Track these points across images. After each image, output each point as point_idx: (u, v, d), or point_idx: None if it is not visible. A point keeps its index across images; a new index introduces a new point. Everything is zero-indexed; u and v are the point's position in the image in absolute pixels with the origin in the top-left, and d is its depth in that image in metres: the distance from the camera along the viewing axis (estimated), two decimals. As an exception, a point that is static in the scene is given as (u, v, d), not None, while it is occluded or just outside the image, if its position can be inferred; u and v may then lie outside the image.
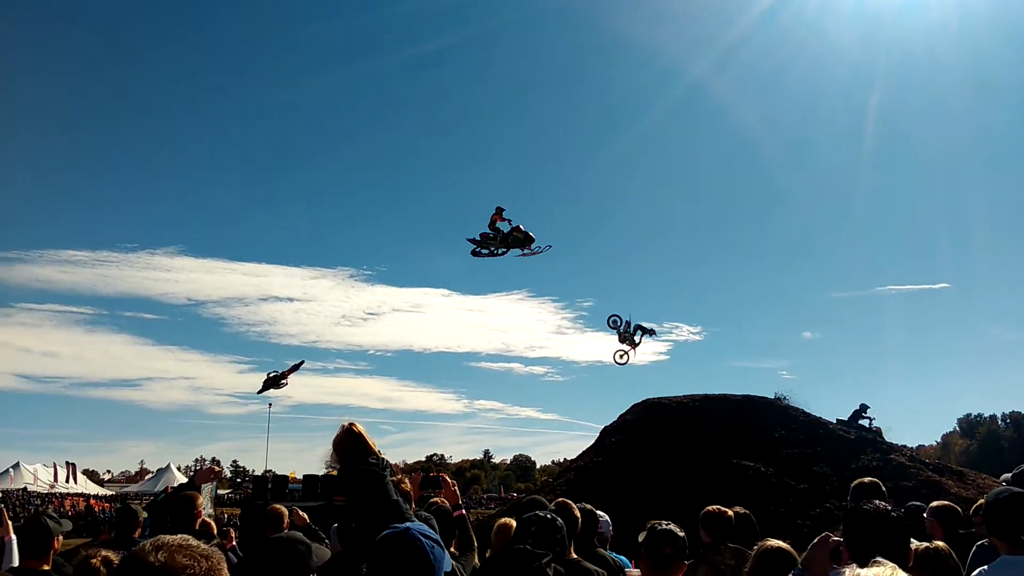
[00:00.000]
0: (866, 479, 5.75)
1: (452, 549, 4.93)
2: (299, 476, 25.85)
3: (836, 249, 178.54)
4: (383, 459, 4.31)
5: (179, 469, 65.33)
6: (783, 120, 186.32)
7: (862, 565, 2.78)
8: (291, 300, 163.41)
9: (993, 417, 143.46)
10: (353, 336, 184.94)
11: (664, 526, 4.00)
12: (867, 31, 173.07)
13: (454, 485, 5.12)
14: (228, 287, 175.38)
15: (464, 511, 4.95)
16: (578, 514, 5.26)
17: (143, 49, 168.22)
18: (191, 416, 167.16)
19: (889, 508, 2.88)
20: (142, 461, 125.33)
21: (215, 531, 6.95)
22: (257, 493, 22.81)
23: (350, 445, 4.29)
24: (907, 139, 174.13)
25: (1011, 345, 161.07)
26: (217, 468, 9.23)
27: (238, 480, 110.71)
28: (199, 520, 6.04)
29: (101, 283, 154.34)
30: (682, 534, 3.98)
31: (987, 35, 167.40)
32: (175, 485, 6.68)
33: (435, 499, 5.56)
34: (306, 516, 6.90)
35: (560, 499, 5.38)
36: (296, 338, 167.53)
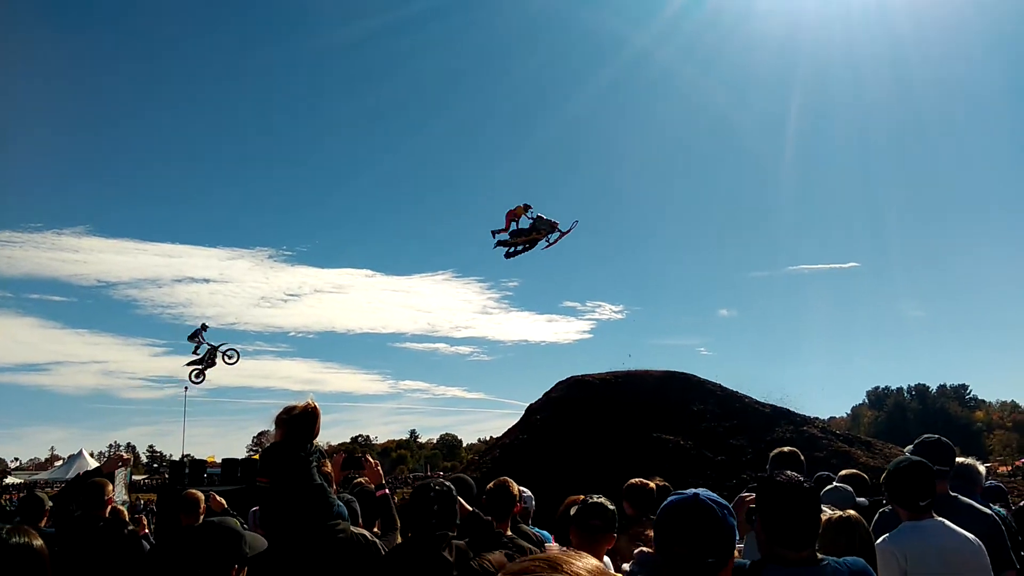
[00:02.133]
0: (785, 448, 5.91)
1: (375, 529, 4.88)
2: (218, 460, 25.17)
3: (752, 230, 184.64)
4: (313, 445, 4.19)
5: (92, 455, 63.00)
6: (706, 106, 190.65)
7: (774, 534, 2.87)
8: (207, 281, 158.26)
9: (900, 390, 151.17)
10: (273, 318, 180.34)
11: (594, 499, 4.08)
12: (791, 20, 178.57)
13: (377, 465, 5.05)
14: (140, 268, 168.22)
15: (388, 491, 4.90)
16: (516, 492, 5.29)
17: (47, 21, 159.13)
18: (103, 401, 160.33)
19: (801, 479, 2.96)
20: (52, 448, 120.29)
21: (127, 518, 6.69)
22: (174, 478, 22.06)
23: (298, 424, 4.09)
24: (822, 124, 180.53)
25: (917, 321, 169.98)
26: (126, 455, 8.87)
27: (154, 465, 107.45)
28: (109, 507, 5.82)
29: (5, 264, 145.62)
30: (612, 507, 4.07)
31: (903, 25, 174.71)
32: (87, 471, 6.42)
33: (358, 479, 5.49)
34: (223, 501, 6.71)
35: (502, 479, 5.38)
36: (213, 320, 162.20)
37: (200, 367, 27.55)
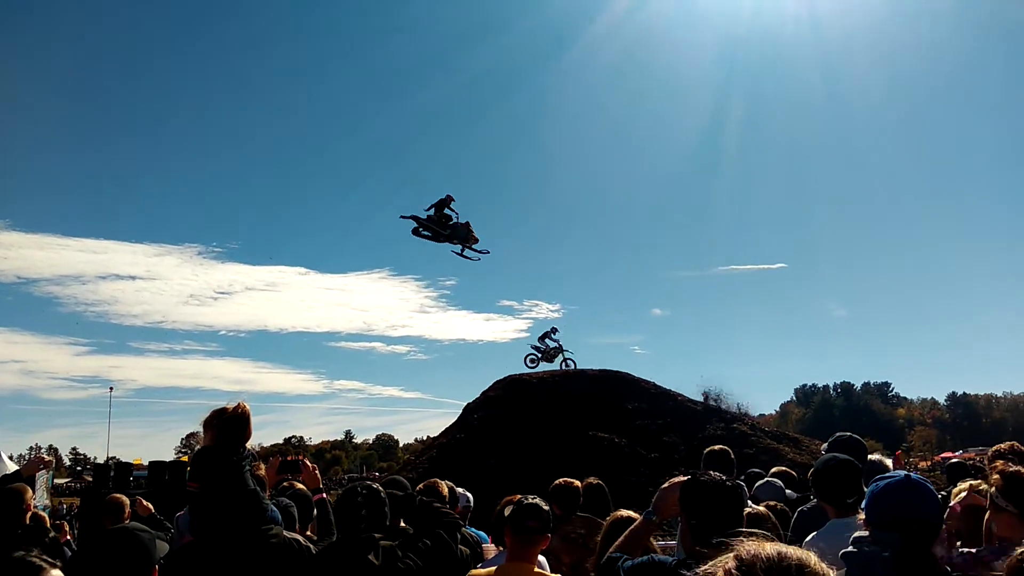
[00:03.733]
0: (716, 447, 6.06)
1: (309, 533, 4.83)
2: (145, 462, 24.41)
3: (683, 231, 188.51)
4: (246, 448, 4.10)
5: (11, 458, 60.28)
6: (640, 109, 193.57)
7: (698, 531, 2.96)
8: (133, 278, 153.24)
9: (826, 387, 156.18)
10: (202, 316, 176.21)
11: (529, 500, 4.09)
12: (727, 26, 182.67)
13: (314, 468, 5.00)
14: (63, 264, 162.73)
15: (324, 495, 4.86)
16: (445, 491, 5.30)
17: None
18: (23, 401, 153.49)
19: (724, 478, 3.06)
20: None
21: (48, 524, 6.45)
22: (99, 482, 21.24)
23: (229, 427, 3.99)
24: (752, 128, 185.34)
25: (842, 321, 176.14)
26: (47, 457, 8.57)
27: (78, 468, 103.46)
28: (29, 513, 5.60)
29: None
30: (547, 508, 4.09)
31: (835, 32, 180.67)
32: (6, 475, 6.16)
33: (289, 482, 5.40)
34: (151, 506, 6.51)
35: (431, 480, 5.38)
36: (140, 318, 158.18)
37: (539, 357, 31.62)
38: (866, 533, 2.69)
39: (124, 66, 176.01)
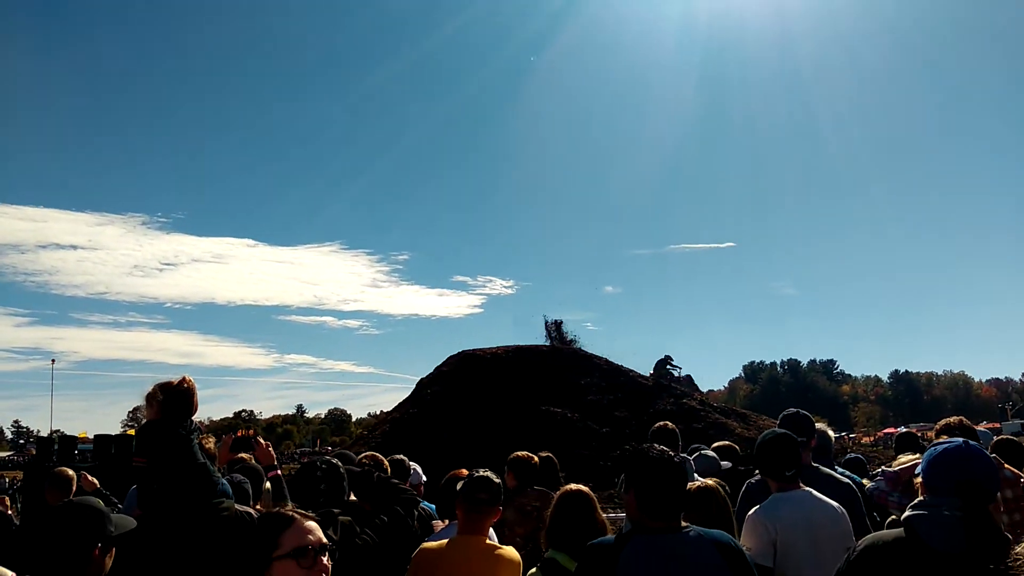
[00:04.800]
0: (662, 424, 6.19)
1: (259, 507, 4.81)
2: (90, 436, 23.93)
3: (634, 209, 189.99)
4: (192, 422, 4.06)
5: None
6: (597, 88, 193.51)
7: (643, 505, 3.07)
8: (75, 248, 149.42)
9: (773, 364, 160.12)
10: (147, 288, 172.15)
11: (480, 473, 4.15)
12: (686, 5, 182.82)
13: (268, 445, 4.98)
14: (0, 232, 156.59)
15: (279, 472, 4.85)
16: (387, 465, 5.33)
17: None
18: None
19: (671, 454, 3.15)
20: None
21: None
22: (42, 455, 20.82)
23: (174, 401, 3.94)
24: (707, 108, 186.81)
25: (789, 299, 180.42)
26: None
27: (20, 441, 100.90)
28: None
29: None
30: (498, 481, 4.14)
31: (793, 10, 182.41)
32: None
33: (242, 456, 5.37)
34: (96, 480, 6.42)
35: (368, 452, 5.41)
36: (82, 288, 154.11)
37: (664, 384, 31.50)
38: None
39: (69, 28, 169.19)
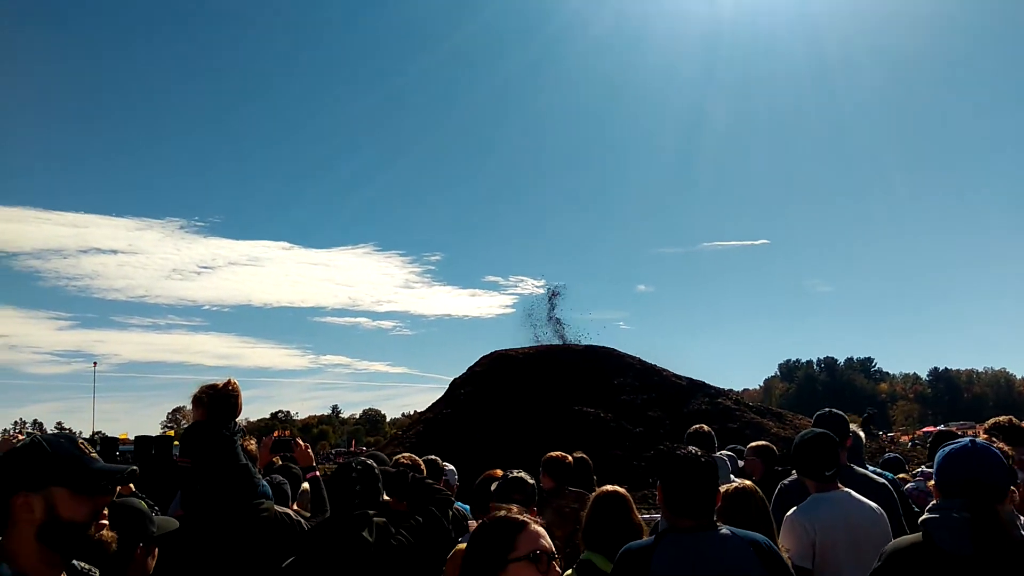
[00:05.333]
0: (697, 427, 6.15)
1: (296, 507, 4.88)
2: (131, 437, 24.32)
3: (666, 207, 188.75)
4: (236, 424, 4.14)
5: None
6: (628, 85, 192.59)
7: (673, 505, 3.07)
8: (115, 252, 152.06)
9: (809, 362, 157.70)
10: (186, 291, 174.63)
11: (514, 474, 4.18)
12: (713, 6, 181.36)
13: (307, 447, 5.05)
14: (43, 238, 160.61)
15: (316, 472, 4.90)
16: (423, 467, 5.38)
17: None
18: (6, 376, 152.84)
19: (699, 453, 3.15)
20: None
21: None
22: (85, 457, 21.27)
23: (219, 403, 4.01)
24: (736, 105, 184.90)
25: (825, 296, 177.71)
26: (20, 436, 8.55)
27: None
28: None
29: None
30: (532, 481, 4.17)
31: (822, 8, 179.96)
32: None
33: (275, 459, 5.44)
34: (131, 484, 6.50)
35: (406, 453, 5.46)
36: (122, 292, 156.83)
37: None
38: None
39: (106, 38, 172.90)
